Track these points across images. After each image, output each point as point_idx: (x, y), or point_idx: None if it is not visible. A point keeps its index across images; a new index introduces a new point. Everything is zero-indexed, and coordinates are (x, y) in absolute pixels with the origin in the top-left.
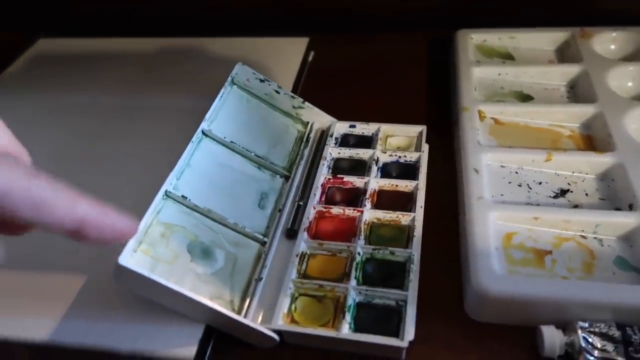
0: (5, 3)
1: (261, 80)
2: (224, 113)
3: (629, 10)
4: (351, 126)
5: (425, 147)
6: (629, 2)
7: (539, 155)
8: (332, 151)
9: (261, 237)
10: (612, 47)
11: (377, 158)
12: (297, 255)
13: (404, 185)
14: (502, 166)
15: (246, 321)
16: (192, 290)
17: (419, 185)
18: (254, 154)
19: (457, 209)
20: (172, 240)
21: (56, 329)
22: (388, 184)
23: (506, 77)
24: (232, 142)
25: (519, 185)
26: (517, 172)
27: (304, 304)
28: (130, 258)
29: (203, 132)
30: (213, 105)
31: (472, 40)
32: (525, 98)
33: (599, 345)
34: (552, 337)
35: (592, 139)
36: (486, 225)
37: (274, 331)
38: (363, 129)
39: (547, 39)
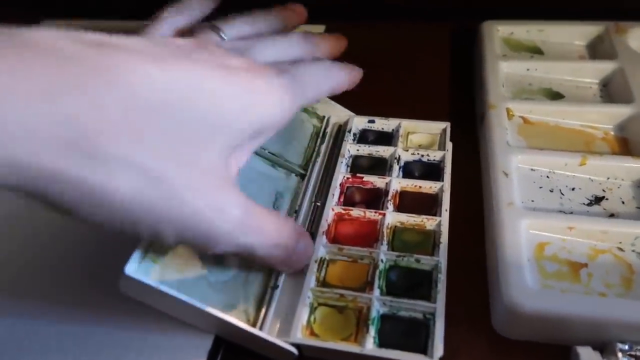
0: None
1: None
2: None
3: None
4: (370, 121)
5: (449, 146)
6: None
7: (572, 159)
8: (351, 148)
9: None
10: None
11: (399, 156)
12: (315, 262)
13: (428, 186)
14: (532, 169)
15: (264, 335)
16: (203, 300)
17: (444, 187)
18: (268, 151)
19: (482, 215)
20: (182, 247)
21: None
22: (411, 184)
23: (535, 72)
24: None
25: (551, 191)
26: (548, 177)
27: (324, 315)
28: (137, 267)
29: None
30: None
31: (499, 32)
32: (555, 96)
33: None
34: (588, 359)
35: (628, 142)
36: (518, 234)
37: (293, 345)
38: (383, 124)
39: (578, 33)
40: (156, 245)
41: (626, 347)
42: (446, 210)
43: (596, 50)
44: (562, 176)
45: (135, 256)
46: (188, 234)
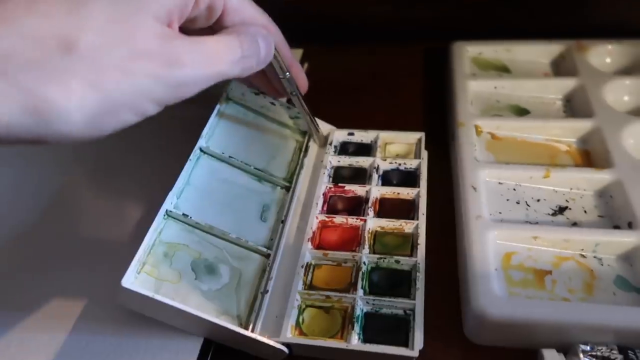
0: None
1: (256, 94)
2: (221, 129)
3: (625, 22)
4: (349, 134)
5: (425, 154)
6: (625, 14)
7: (537, 172)
8: (332, 159)
9: (265, 249)
10: (608, 60)
11: (378, 166)
12: (302, 266)
13: (406, 192)
14: (499, 183)
15: (257, 337)
16: (198, 308)
17: (421, 193)
18: (253, 167)
19: (455, 227)
20: (175, 259)
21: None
22: (390, 191)
23: (502, 90)
24: (230, 157)
25: (517, 203)
26: (514, 189)
27: (312, 316)
28: (134, 279)
29: (201, 150)
30: (209, 122)
31: (468, 52)
32: (521, 112)
33: None
34: None
35: (590, 155)
36: (485, 245)
37: (283, 344)
38: (362, 136)
39: (542, 52)
40: (152, 259)
41: (588, 348)
42: (423, 214)
43: (559, 67)
44: (528, 188)
45: (131, 269)
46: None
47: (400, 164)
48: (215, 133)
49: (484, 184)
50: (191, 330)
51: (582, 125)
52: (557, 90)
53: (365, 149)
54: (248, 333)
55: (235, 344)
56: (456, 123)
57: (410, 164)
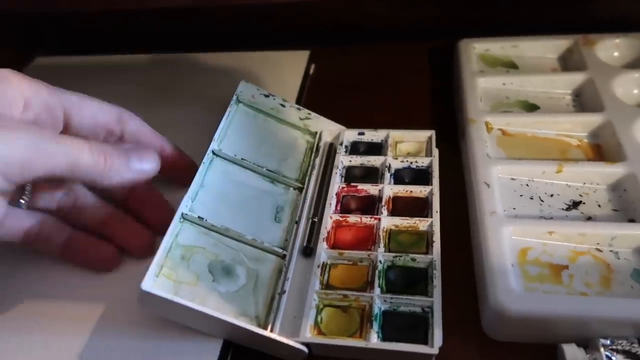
0: (0, 20)
1: (266, 96)
2: (232, 131)
3: (631, 15)
4: (360, 133)
5: (436, 152)
6: (631, 7)
7: (549, 167)
8: (344, 159)
9: (280, 250)
10: (616, 53)
11: (389, 164)
12: (318, 266)
13: (419, 190)
14: (512, 179)
15: (277, 337)
16: (216, 310)
17: (434, 191)
18: (266, 168)
19: (469, 223)
20: (192, 262)
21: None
22: (402, 190)
23: (511, 86)
24: (242, 159)
25: (531, 198)
26: (527, 185)
27: (330, 315)
28: (153, 283)
29: (213, 152)
30: (220, 125)
31: (475, 49)
32: (531, 107)
33: None
34: (574, 355)
35: (601, 149)
36: (501, 241)
37: (303, 344)
38: (372, 135)
39: (550, 47)
40: (170, 262)
41: (608, 342)
42: (437, 212)
43: (567, 62)
44: (540, 184)
45: (151, 272)
46: None
47: (411, 162)
48: (226, 136)
49: (497, 180)
50: (211, 331)
51: (593, 120)
52: (565, 85)
53: (376, 148)
54: (267, 333)
55: (254, 344)
56: (466, 120)
57: (422, 161)
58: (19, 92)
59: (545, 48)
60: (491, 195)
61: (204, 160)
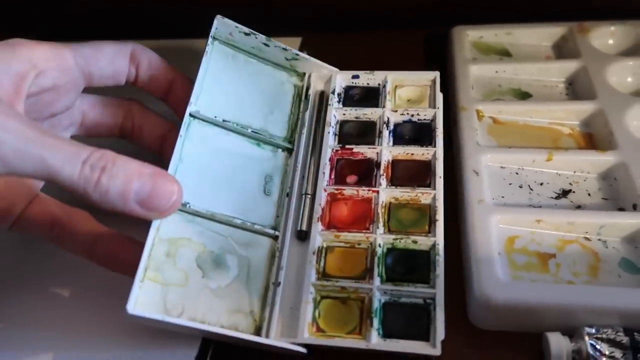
0: None
1: (246, 34)
2: (210, 81)
3: (627, 2)
4: (354, 77)
5: (440, 100)
6: None
7: (539, 155)
8: (336, 113)
9: (272, 231)
10: (610, 41)
11: (388, 119)
12: (313, 253)
13: (420, 153)
14: (502, 167)
15: (274, 342)
16: (209, 309)
17: (437, 154)
18: (251, 129)
19: (457, 211)
20: (179, 258)
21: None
22: (402, 152)
23: (504, 74)
24: (224, 120)
25: (520, 187)
26: (517, 173)
27: (328, 307)
28: (139, 290)
29: (191, 115)
30: (198, 76)
31: (468, 37)
32: (523, 95)
33: (607, 352)
34: (558, 344)
35: (593, 137)
36: (488, 229)
37: (301, 345)
38: (368, 79)
39: (544, 34)
40: (154, 262)
41: (593, 330)
42: (440, 177)
43: (561, 50)
44: (530, 172)
45: (136, 279)
46: None
47: (412, 115)
48: (203, 89)
49: (486, 169)
50: (204, 336)
51: (585, 108)
52: (559, 73)
53: (373, 95)
54: (264, 340)
55: (250, 346)
56: (458, 108)
57: (425, 114)
58: (27, 63)
59: (539, 35)
60: (480, 184)
61: (180, 133)
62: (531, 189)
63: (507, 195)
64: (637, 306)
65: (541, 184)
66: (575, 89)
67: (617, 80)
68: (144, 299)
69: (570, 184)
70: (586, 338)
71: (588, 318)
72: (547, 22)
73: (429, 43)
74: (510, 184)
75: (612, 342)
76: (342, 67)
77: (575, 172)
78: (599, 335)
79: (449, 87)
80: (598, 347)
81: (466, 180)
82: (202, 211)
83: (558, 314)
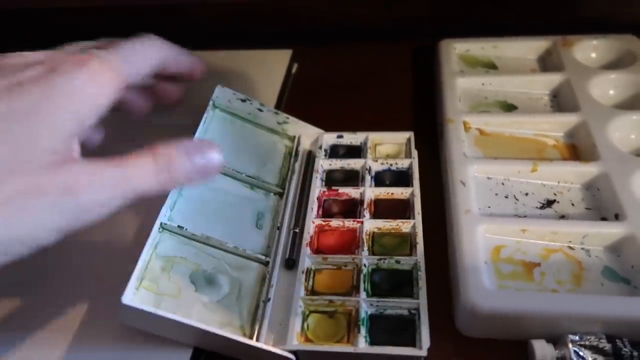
0: None
1: (242, 100)
2: (209, 137)
3: (609, 17)
4: (339, 137)
5: (415, 153)
6: (608, 9)
7: (525, 166)
8: (323, 163)
9: (263, 257)
10: (593, 55)
11: (370, 167)
12: (302, 272)
13: (400, 192)
14: (488, 178)
15: (262, 346)
16: (200, 321)
17: (415, 192)
18: (245, 174)
19: (445, 222)
20: (173, 273)
21: None
22: (384, 192)
23: (490, 86)
24: None
25: (506, 197)
26: (503, 184)
27: (316, 321)
28: (134, 296)
29: None
30: (197, 133)
31: (455, 50)
32: (509, 108)
33: (590, 359)
34: (543, 351)
35: (577, 148)
36: (475, 239)
37: (290, 352)
38: (351, 138)
39: (529, 48)
40: (150, 274)
41: (577, 337)
42: (419, 213)
43: (546, 63)
44: (516, 183)
45: (131, 285)
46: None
47: (391, 165)
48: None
49: (473, 179)
50: (194, 343)
51: (569, 120)
52: (543, 86)
53: (356, 151)
54: (254, 342)
55: (240, 354)
56: (445, 120)
57: (402, 163)
58: (93, 106)
59: (525, 49)
60: (467, 194)
61: None
62: (517, 199)
63: (493, 205)
64: (619, 314)
65: (526, 194)
66: (560, 101)
67: (600, 93)
68: (139, 301)
69: (554, 194)
70: (570, 345)
71: (572, 325)
72: (532, 36)
73: (418, 56)
74: (496, 194)
75: (595, 349)
76: (332, 79)
77: (559, 182)
78: (582, 342)
79: (436, 99)
80: (581, 353)
81: (453, 191)
82: (198, 234)
83: (543, 322)
